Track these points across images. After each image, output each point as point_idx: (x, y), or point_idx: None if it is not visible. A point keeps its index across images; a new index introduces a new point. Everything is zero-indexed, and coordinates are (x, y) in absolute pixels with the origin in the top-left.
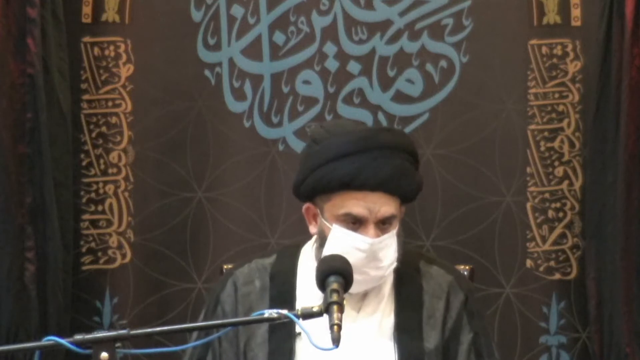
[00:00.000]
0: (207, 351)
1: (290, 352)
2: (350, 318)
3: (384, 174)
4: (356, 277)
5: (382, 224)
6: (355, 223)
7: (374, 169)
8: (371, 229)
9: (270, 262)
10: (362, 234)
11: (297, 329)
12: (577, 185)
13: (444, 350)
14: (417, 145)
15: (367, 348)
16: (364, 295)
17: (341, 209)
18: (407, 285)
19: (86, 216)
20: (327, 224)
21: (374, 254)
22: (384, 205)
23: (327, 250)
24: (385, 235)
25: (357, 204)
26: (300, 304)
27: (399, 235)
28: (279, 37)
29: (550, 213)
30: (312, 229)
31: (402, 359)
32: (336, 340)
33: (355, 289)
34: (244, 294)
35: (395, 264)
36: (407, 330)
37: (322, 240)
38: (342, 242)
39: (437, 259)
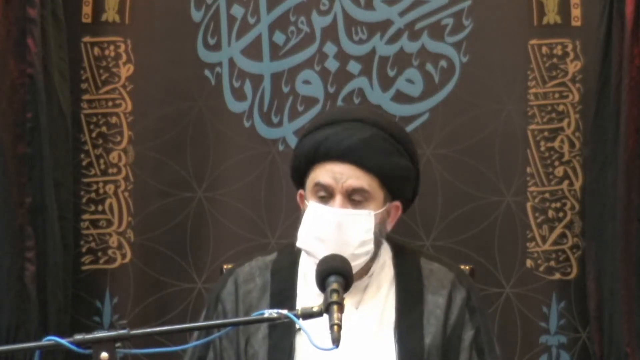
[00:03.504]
0: (207, 350)
1: (290, 349)
2: (349, 313)
3: (349, 142)
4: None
5: (353, 199)
6: (325, 196)
7: (340, 138)
8: (338, 200)
9: (272, 260)
10: (330, 206)
11: (298, 326)
12: (577, 185)
13: (445, 347)
14: (417, 145)
15: (367, 344)
16: (363, 290)
17: (313, 181)
18: (407, 282)
19: (86, 216)
20: (307, 203)
21: (339, 226)
22: (352, 177)
23: (302, 225)
24: (355, 210)
25: (324, 173)
26: (301, 301)
27: (381, 223)
28: (279, 37)
29: (550, 213)
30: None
31: (402, 356)
32: (336, 340)
33: None
34: (245, 292)
35: (370, 249)
36: (407, 326)
37: None
38: (312, 214)
39: (438, 256)
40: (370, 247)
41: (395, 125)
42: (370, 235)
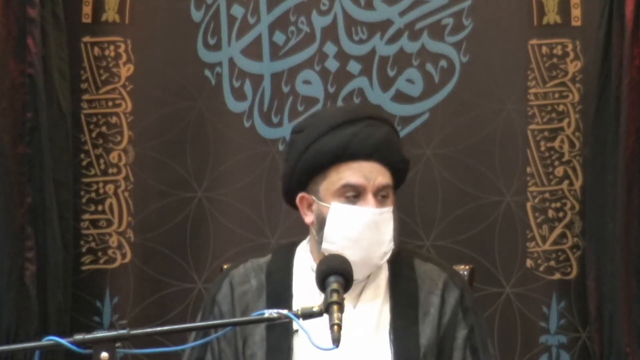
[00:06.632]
0: (205, 351)
1: (288, 350)
2: (347, 313)
3: (375, 141)
4: (358, 258)
5: (380, 196)
6: (353, 196)
7: (366, 136)
8: (370, 199)
9: (266, 261)
10: (362, 206)
11: (295, 326)
12: (577, 185)
13: (439, 347)
14: (417, 145)
15: (363, 344)
16: (361, 291)
17: (338, 182)
18: (402, 282)
19: (86, 216)
20: (325, 205)
21: (376, 225)
22: (380, 175)
23: (328, 230)
24: (385, 208)
25: (353, 173)
26: (297, 301)
27: (395, 219)
28: (279, 37)
29: (550, 213)
30: (308, 218)
31: (398, 356)
32: (336, 340)
33: (358, 274)
34: (241, 294)
35: (392, 245)
36: (402, 327)
37: (320, 225)
38: (342, 216)
39: (432, 256)
40: (393, 243)
41: (390, 117)
42: (393, 232)
